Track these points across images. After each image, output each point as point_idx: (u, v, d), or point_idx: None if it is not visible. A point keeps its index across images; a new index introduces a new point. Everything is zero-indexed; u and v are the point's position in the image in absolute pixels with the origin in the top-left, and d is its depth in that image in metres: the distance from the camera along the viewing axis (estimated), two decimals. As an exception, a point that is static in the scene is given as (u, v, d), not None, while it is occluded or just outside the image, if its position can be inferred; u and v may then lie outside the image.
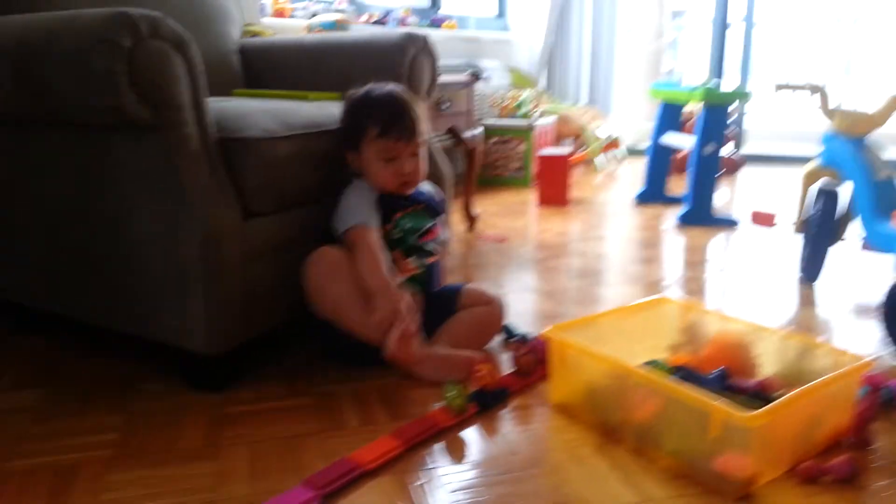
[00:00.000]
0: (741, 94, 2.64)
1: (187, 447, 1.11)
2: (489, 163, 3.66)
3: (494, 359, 1.44)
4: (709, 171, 2.63)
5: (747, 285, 1.98)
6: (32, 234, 1.42)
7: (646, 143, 3.19)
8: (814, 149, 2.00)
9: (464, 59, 3.86)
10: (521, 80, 4.16)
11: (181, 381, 1.32)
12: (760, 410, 0.96)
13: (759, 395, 1.16)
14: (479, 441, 1.15)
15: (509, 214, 2.90)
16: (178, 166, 1.20)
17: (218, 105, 1.37)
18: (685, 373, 1.25)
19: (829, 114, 1.90)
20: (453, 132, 2.44)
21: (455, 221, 2.67)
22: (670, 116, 2.98)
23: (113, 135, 1.25)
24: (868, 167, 1.79)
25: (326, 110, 1.49)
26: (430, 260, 1.47)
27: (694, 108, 3.42)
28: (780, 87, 1.97)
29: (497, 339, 1.53)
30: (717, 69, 4.35)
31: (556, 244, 2.41)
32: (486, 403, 1.23)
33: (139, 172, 1.24)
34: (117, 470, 1.05)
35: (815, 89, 1.90)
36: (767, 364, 1.27)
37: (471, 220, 2.60)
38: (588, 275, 2.05)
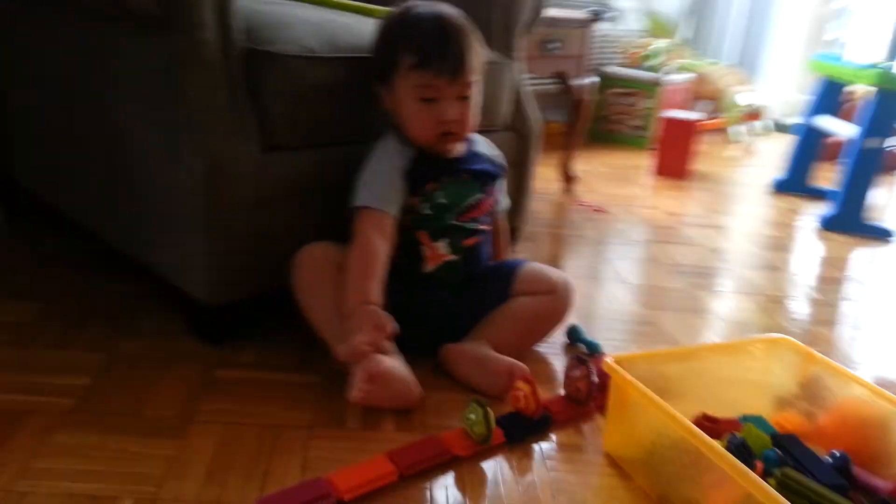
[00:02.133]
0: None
1: (154, 416, 0.93)
2: (605, 116, 3.27)
3: (546, 368, 1.16)
4: (868, 168, 2.15)
5: None
6: (45, 120, 1.27)
7: (795, 120, 2.69)
8: None
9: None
10: (659, 27, 3.66)
11: (182, 323, 1.14)
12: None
13: (894, 507, 0.84)
14: (500, 481, 0.90)
15: (617, 180, 2.54)
16: (183, 78, 0.98)
17: (258, 8, 1.13)
18: (792, 446, 0.94)
19: None
20: (561, 77, 2.10)
21: (549, 178, 2.36)
22: (829, 96, 2.47)
23: (117, 26, 1.04)
24: None
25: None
26: (472, 241, 1.17)
27: (858, 90, 2.86)
28: None
29: (556, 340, 1.25)
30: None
31: (664, 226, 2.06)
32: (517, 434, 0.97)
33: (142, 77, 1.03)
34: (66, 429, 0.89)
35: None
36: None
37: (568, 180, 2.27)
38: (696, 273, 1.71)
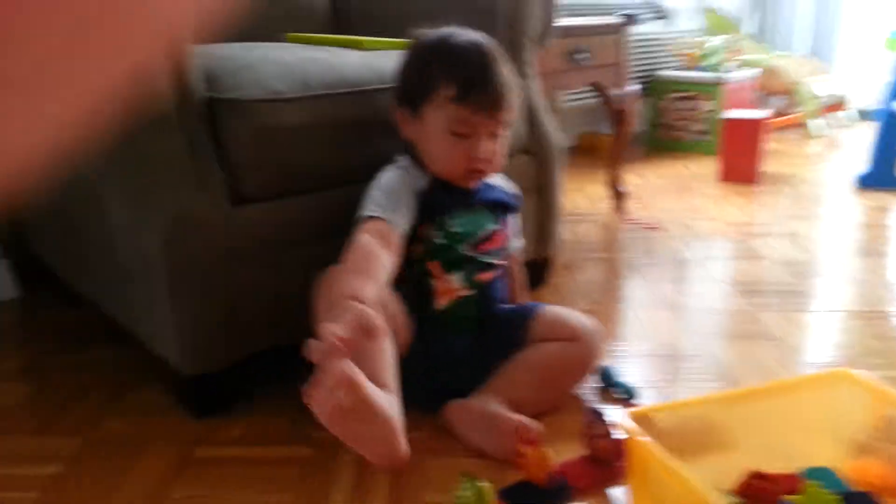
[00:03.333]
0: None
1: (120, 506, 0.85)
2: (664, 123, 3.06)
3: (575, 420, 1.01)
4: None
5: None
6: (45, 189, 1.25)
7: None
8: None
9: (646, -3, 3.23)
10: (719, 23, 3.42)
11: (171, 396, 1.07)
12: None
13: None
14: (500, 571, 0.76)
15: (675, 191, 2.33)
16: (136, 135, 0.92)
17: (223, 53, 1.06)
18: (867, 508, 0.75)
19: None
20: (598, 88, 1.94)
21: (599, 197, 2.20)
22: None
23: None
24: None
25: (375, 63, 1.12)
26: (487, 276, 1.06)
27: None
28: None
29: (587, 389, 1.10)
30: None
31: (726, 238, 1.85)
32: (524, 509, 0.83)
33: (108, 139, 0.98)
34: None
35: None
36: None
37: (617, 197, 2.10)
38: (760, 292, 1.50)
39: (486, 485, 0.79)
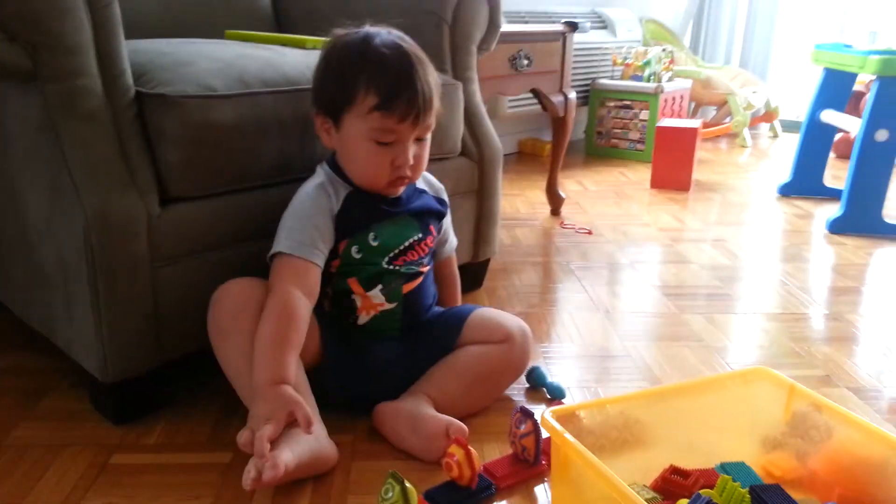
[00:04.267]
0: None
1: (28, 517, 0.81)
2: (602, 131, 3.13)
3: (504, 421, 1.02)
4: (879, 163, 1.96)
5: (917, 333, 1.39)
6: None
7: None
8: None
9: (588, 7, 3.30)
10: (658, 33, 3.52)
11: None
12: None
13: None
14: (424, 572, 0.76)
15: (610, 197, 2.39)
16: (61, 132, 0.88)
17: (154, 48, 1.04)
18: (775, 500, 0.78)
19: None
20: (539, 96, 1.97)
21: (538, 202, 2.23)
22: (834, 87, 2.29)
23: (4, 83, 0.96)
24: None
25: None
26: (410, 286, 1.03)
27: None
28: None
29: (519, 386, 1.12)
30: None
31: (655, 243, 1.90)
32: (449, 509, 0.83)
33: (26, 135, 0.94)
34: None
35: None
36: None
37: (555, 202, 2.13)
38: (684, 295, 1.55)
39: (409, 486, 0.79)
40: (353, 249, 0.99)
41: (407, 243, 1.02)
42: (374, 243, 1.00)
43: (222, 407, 1.03)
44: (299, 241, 0.95)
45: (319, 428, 0.89)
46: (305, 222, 0.96)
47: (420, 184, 1.10)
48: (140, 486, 0.86)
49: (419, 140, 0.99)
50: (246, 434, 0.81)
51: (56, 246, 0.94)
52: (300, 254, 0.94)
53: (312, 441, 0.86)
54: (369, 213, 1.00)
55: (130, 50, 0.96)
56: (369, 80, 0.93)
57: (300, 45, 1.24)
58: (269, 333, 0.89)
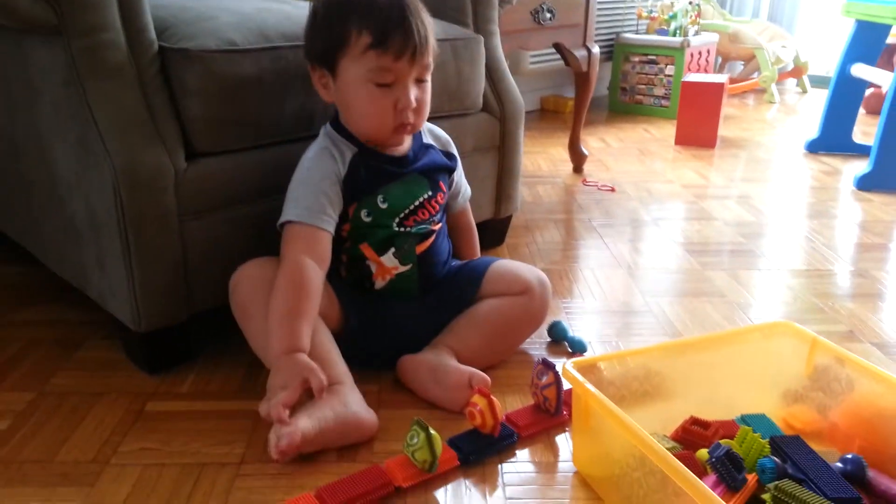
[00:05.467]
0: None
1: (69, 461, 0.84)
2: (626, 87, 3.07)
3: (525, 373, 1.03)
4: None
5: (944, 290, 1.38)
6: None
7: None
8: None
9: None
10: (683, -14, 3.42)
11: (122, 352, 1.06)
12: None
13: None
14: (448, 515, 0.78)
15: (633, 154, 2.36)
16: (87, 86, 0.89)
17: (175, 2, 1.04)
18: (795, 451, 0.79)
19: None
20: (561, 50, 1.94)
21: (559, 159, 2.22)
22: (867, 41, 2.22)
23: (25, 37, 0.97)
24: None
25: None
26: (424, 246, 1.03)
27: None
28: None
29: (540, 340, 1.13)
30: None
31: (679, 200, 1.88)
32: (473, 455, 0.85)
33: (53, 89, 0.95)
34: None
35: None
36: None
37: (577, 159, 2.12)
38: (708, 251, 1.54)
39: (434, 433, 0.81)
40: (363, 213, 0.98)
41: (417, 202, 1.02)
42: (384, 205, 0.99)
43: (252, 357, 1.05)
44: (307, 208, 0.94)
45: (352, 395, 0.89)
46: (313, 188, 0.95)
47: (426, 138, 1.09)
48: (175, 433, 0.89)
49: (420, 82, 0.97)
50: (264, 406, 0.82)
51: (85, 200, 0.96)
52: (309, 221, 0.93)
53: (339, 407, 0.86)
54: (376, 174, 0.99)
55: (152, 4, 0.96)
56: (361, 21, 0.91)
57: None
58: (281, 304, 0.88)
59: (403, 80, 0.94)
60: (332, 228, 0.95)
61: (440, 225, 1.07)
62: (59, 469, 0.83)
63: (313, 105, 1.07)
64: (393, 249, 1.00)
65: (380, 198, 0.99)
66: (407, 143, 1.04)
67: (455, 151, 1.13)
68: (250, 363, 1.05)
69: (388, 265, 1.01)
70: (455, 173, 1.12)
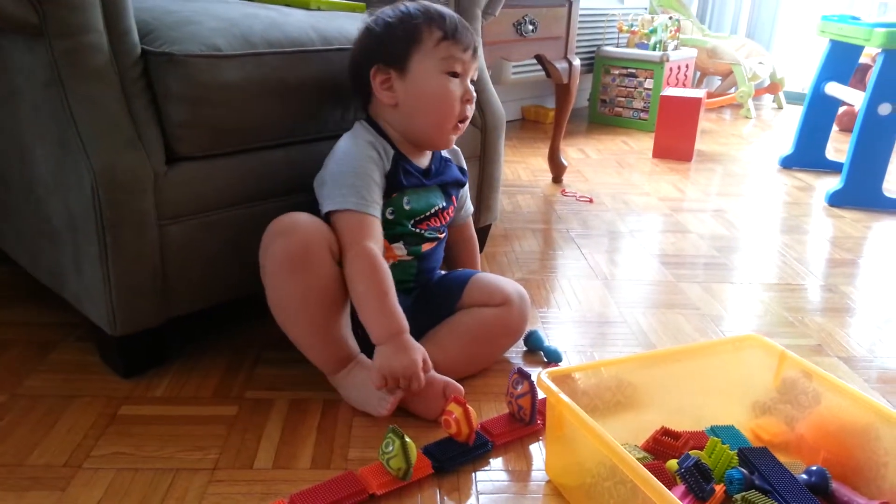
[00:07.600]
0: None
1: (41, 465, 0.84)
2: (606, 99, 3.11)
3: (502, 383, 1.05)
4: (881, 137, 1.97)
5: (909, 306, 1.42)
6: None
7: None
8: None
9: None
10: (665, 1, 3.48)
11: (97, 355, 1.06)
12: None
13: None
14: (422, 522, 0.79)
15: (611, 166, 2.39)
16: (68, 88, 0.89)
17: (166, 6, 1.03)
18: (762, 462, 0.81)
19: None
20: (543, 62, 1.96)
21: (539, 169, 2.24)
22: (840, 60, 2.28)
23: (7, 37, 0.96)
24: None
25: (320, 24, 1.11)
26: (428, 246, 1.08)
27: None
28: None
29: (517, 349, 1.14)
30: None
31: (655, 212, 1.91)
32: (447, 463, 0.86)
33: (33, 88, 0.95)
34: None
35: None
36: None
37: (557, 170, 2.14)
38: (683, 264, 1.57)
39: (409, 441, 0.81)
40: (388, 211, 1.02)
41: (433, 210, 1.07)
42: (407, 207, 1.03)
43: (228, 362, 1.05)
44: (363, 197, 0.96)
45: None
46: (366, 178, 0.98)
47: (445, 152, 1.13)
48: (148, 437, 0.89)
49: (472, 81, 1.05)
50: (377, 376, 0.90)
51: (64, 200, 0.95)
52: (367, 210, 0.96)
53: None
54: (408, 178, 1.03)
55: (136, 7, 0.96)
56: (430, 21, 1.01)
57: (304, 6, 1.23)
58: (370, 289, 0.92)
59: (467, 75, 1.03)
60: (380, 215, 0.99)
61: (444, 235, 1.12)
62: (31, 473, 0.82)
63: (295, 112, 1.07)
64: (404, 242, 1.05)
65: (405, 199, 1.03)
66: (428, 157, 1.08)
67: (465, 165, 1.18)
68: (226, 367, 1.05)
69: (396, 252, 1.04)
70: (464, 189, 1.17)
